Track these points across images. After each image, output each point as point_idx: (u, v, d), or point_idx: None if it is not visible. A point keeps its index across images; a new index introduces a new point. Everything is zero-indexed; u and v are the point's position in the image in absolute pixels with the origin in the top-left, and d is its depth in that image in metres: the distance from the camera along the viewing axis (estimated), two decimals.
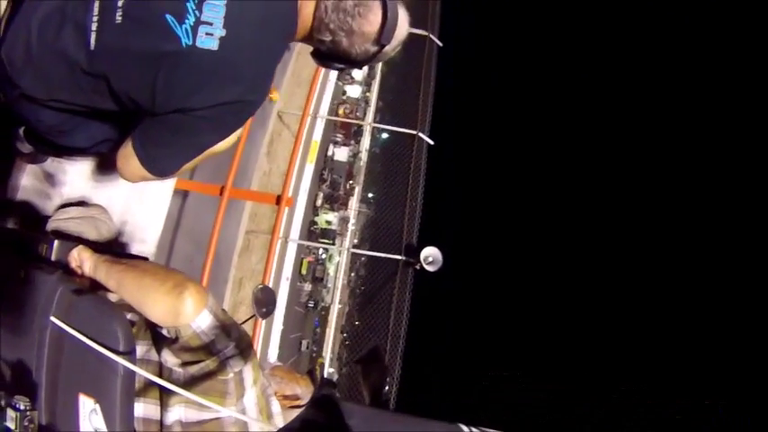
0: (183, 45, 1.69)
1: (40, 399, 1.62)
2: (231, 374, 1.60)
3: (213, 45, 1.70)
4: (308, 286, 25.69)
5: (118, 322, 1.51)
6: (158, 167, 1.90)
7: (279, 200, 6.38)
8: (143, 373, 1.50)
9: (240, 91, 1.77)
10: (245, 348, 1.63)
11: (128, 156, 1.88)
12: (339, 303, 13.84)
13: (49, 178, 2.66)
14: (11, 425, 1.46)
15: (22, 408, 1.46)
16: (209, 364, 1.58)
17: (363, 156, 16.28)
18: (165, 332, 1.64)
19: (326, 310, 19.91)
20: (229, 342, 1.60)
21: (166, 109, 1.76)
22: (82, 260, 1.83)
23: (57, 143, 2.17)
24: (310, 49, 2.01)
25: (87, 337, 1.48)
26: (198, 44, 1.69)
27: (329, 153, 27.84)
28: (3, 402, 1.48)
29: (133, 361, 1.49)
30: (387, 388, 1.31)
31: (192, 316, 1.54)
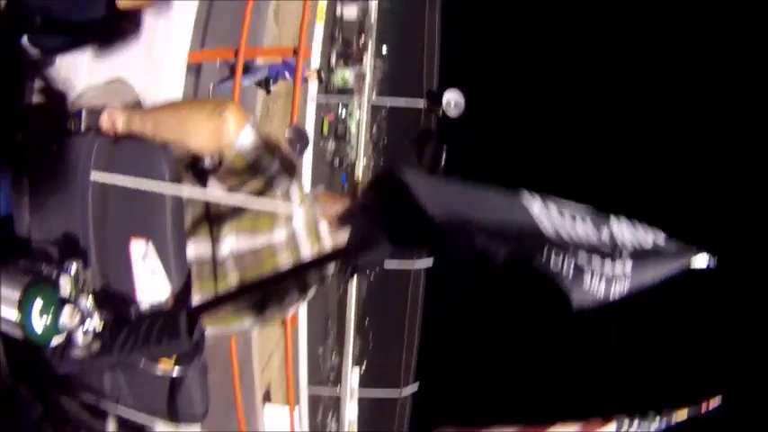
0: None
1: (90, 261, 1.62)
2: (279, 194, 1.64)
3: None
4: (331, 145, 25.59)
5: (161, 152, 1.55)
6: None
7: (296, 51, 6.18)
8: (190, 193, 1.55)
9: None
10: (289, 167, 1.67)
11: None
12: (364, 157, 13.88)
13: (62, 79, 2.64)
14: (65, 291, 1.45)
15: (73, 271, 1.48)
16: (256, 184, 1.62)
17: (373, 8, 15.65)
18: (207, 162, 1.67)
19: (352, 166, 19.96)
20: (274, 160, 1.63)
21: None
22: (114, 118, 1.77)
23: (73, 20, 2.26)
24: None
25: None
26: None
27: (338, 12, 26.71)
28: (54, 273, 1.47)
29: (179, 188, 1.54)
30: (443, 161, 1.33)
31: (236, 132, 1.57)
